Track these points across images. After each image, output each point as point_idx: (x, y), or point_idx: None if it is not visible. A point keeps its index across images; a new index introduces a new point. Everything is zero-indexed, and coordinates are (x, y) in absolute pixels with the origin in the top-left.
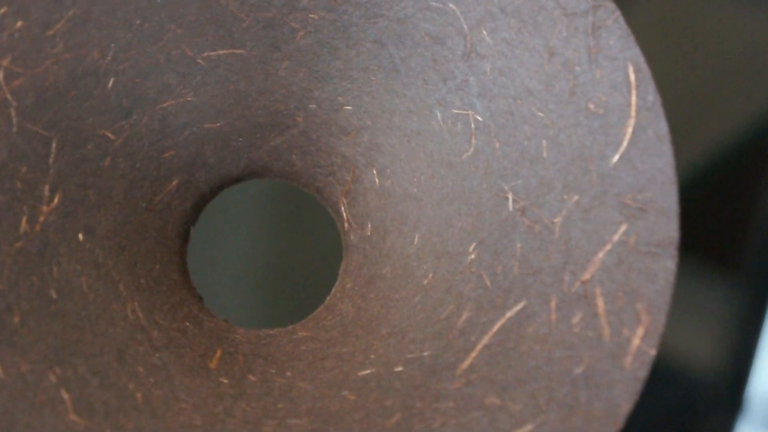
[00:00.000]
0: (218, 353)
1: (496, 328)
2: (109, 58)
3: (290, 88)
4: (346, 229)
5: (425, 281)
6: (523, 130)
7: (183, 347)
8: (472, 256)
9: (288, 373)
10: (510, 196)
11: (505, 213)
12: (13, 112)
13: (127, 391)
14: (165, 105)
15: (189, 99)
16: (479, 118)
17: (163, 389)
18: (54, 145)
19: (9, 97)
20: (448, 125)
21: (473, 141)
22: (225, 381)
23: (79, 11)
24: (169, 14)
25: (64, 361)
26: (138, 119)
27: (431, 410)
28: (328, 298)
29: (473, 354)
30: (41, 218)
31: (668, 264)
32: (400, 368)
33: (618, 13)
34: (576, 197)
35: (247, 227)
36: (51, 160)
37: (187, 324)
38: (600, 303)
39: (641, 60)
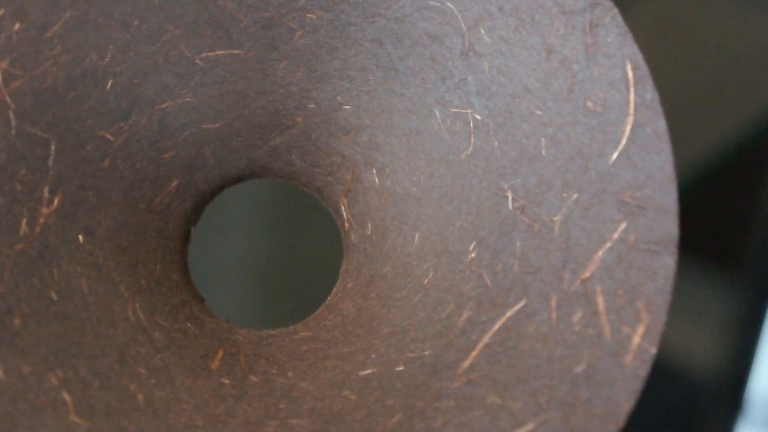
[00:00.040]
0: (220, 354)
1: (496, 326)
2: (107, 59)
3: (289, 88)
4: (346, 228)
5: (426, 280)
6: (522, 129)
7: (184, 348)
8: (472, 255)
9: (289, 374)
10: (509, 195)
11: (505, 211)
12: (11, 115)
13: (129, 393)
14: (164, 106)
15: (188, 100)
16: (478, 116)
17: (164, 390)
18: (53, 146)
19: (7, 99)
20: (447, 124)
21: (472, 140)
22: (226, 382)
23: (76, 13)
24: (167, 15)
25: (65, 362)
26: (137, 120)
27: (432, 409)
28: (329, 297)
29: (474, 353)
30: (41, 220)
31: (668, 261)
32: (401, 368)
33: (615, 10)
34: (575, 195)
35: (247, 227)
36: (50, 162)
37: (189, 325)
38: (600, 301)
39: (639, 57)
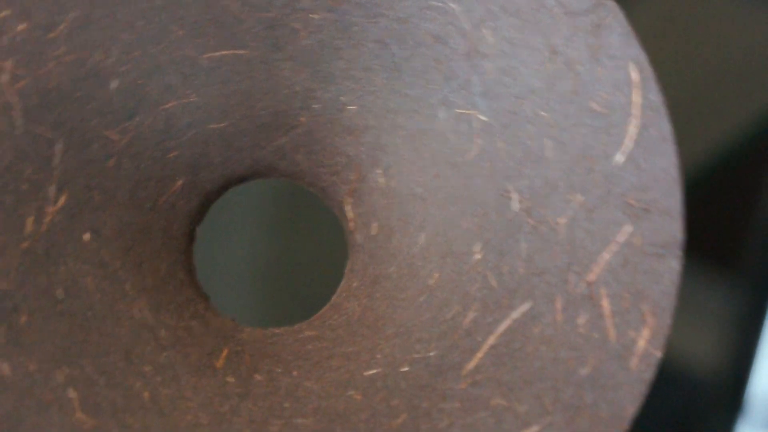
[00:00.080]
0: (225, 352)
1: (502, 328)
2: (112, 59)
3: (293, 89)
4: (351, 228)
5: (431, 281)
6: (527, 130)
7: (190, 346)
8: (478, 256)
9: (294, 373)
10: (514, 196)
11: (510, 213)
12: (17, 114)
13: (134, 390)
14: (168, 106)
15: (192, 100)
16: (482, 117)
17: (169, 388)
18: (59, 146)
19: (13, 99)
20: (451, 125)
21: (477, 141)
22: (231, 380)
23: (80, 13)
24: (171, 16)
25: (71, 360)
26: (142, 120)
27: (437, 410)
28: (333, 297)
29: (479, 354)
30: (47, 219)
31: (673, 264)
32: (406, 368)
33: (619, 11)
34: (580, 197)
35: (252, 226)
36: (56, 162)
37: (194, 323)
38: (605, 304)
39: (643, 59)
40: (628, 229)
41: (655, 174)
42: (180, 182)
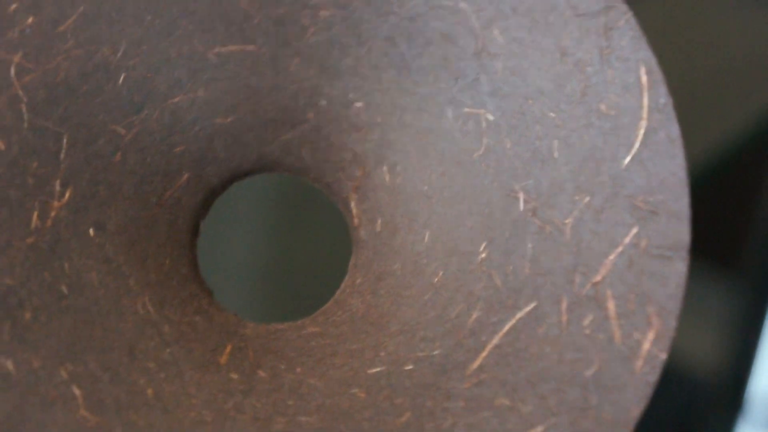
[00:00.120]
0: (228, 348)
1: (506, 328)
2: (119, 53)
3: (301, 85)
4: (355, 224)
5: (435, 279)
6: (535, 130)
7: (193, 342)
8: (483, 256)
9: (298, 369)
10: (521, 196)
11: (516, 213)
12: (24, 108)
13: (138, 387)
14: (176, 100)
15: (199, 94)
16: (490, 117)
17: (173, 385)
18: (65, 140)
19: (20, 92)
20: (459, 124)
21: (484, 140)
22: (235, 376)
23: (89, 7)
24: (180, 10)
25: (75, 356)
26: (149, 114)
27: (441, 410)
28: (337, 292)
29: (483, 354)
30: (52, 214)
31: (679, 267)
32: (410, 366)
33: (630, 14)
34: (587, 198)
35: (255, 221)
36: (62, 156)
37: (198, 318)
38: (611, 306)
39: (653, 62)
40: (635, 231)
41: (662, 176)
42: (186, 176)
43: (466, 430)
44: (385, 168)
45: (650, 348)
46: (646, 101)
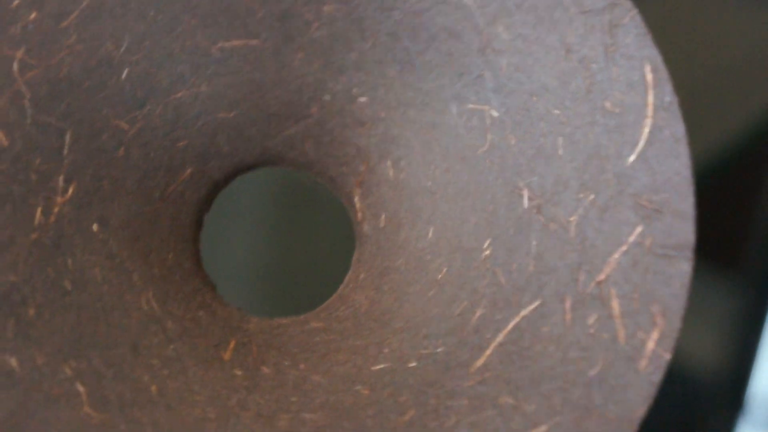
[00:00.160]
0: (232, 344)
1: (510, 326)
2: (122, 49)
3: (305, 79)
4: (359, 219)
5: (439, 276)
6: (539, 127)
7: (197, 337)
8: (487, 252)
9: (301, 366)
10: (525, 193)
11: (521, 210)
12: (27, 104)
13: (142, 384)
14: (179, 95)
15: (203, 89)
16: (495, 113)
17: (177, 381)
18: (68, 136)
19: (23, 88)
20: (463, 120)
21: (488, 136)
22: (239, 373)
23: (92, 3)
24: (183, 5)
25: (79, 353)
26: (152, 109)
27: (445, 408)
28: (341, 287)
29: (487, 352)
30: (56, 209)
31: (684, 267)
32: (413, 364)
33: (635, 11)
34: (592, 196)
35: (259, 216)
36: (65, 151)
37: (201, 313)
38: (615, 305)
39: (658, 59)
40: (639, 229)
41: (667, 175)
42: (189, 171)
43: (470, 429)
44: (389, 163)
45: (654, 348)
46: (651, 99)
